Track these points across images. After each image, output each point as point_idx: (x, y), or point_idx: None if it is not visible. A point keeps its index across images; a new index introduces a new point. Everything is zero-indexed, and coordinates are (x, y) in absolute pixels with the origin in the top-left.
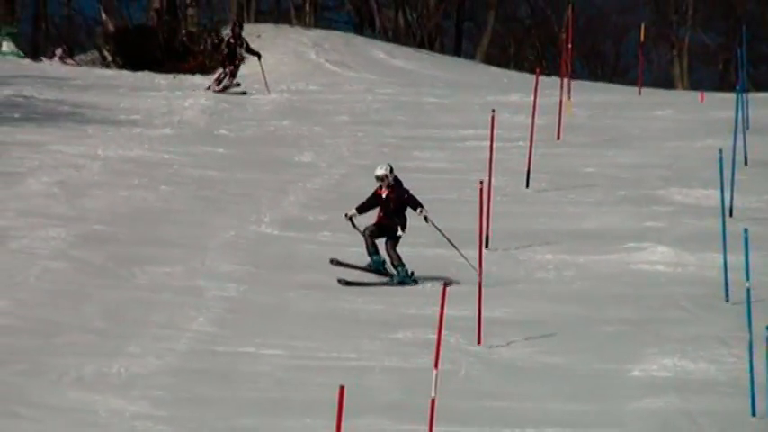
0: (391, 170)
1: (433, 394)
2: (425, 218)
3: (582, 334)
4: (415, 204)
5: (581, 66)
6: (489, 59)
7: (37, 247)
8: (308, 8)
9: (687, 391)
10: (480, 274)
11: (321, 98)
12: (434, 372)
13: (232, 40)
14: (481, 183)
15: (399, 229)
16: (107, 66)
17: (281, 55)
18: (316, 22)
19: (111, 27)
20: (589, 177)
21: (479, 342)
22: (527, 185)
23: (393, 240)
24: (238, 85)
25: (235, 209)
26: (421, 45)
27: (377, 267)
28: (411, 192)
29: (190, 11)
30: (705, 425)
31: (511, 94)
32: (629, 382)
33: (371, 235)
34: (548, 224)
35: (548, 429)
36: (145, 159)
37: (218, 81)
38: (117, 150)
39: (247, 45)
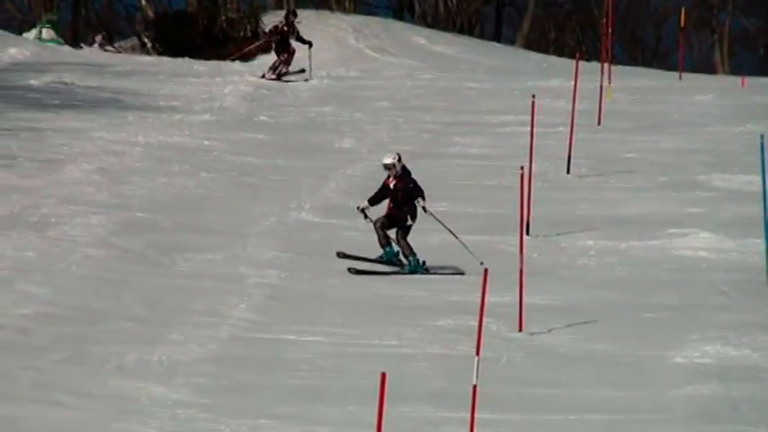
0: (399, 159)
1: (474, 381)
2: (423, 208)
3: (624, 320)
4: (418, 194)
5: (621, 51)
6: (529, 45)
7: (78, 235)
8: None
9: (729, 377)
10: (522, 261)
11: (361, 84)
12: (476, 359)
13: (285, 28)
14: (522, 169)
15: (409, 218)
16: (147, 52)
17: (321, 41)
18: (355, 7)
19: (150, 14)
20: (630, 163)
21: (521, 329)
22: (568, 171)
23: (403, 230)
24: (302, 71)
25: (275, 195)
26: (461, 30)
27: (389, 259)
28: (417, 184)
29: None
30: (747, 411)
31: (551, 80)
32: (670, 369)
33: (383, 226)
34: (589, 210)
35: (589, 416)
36: (185, 146)
37: (274, 68)
38: (157, 137)
39: (298, 34)
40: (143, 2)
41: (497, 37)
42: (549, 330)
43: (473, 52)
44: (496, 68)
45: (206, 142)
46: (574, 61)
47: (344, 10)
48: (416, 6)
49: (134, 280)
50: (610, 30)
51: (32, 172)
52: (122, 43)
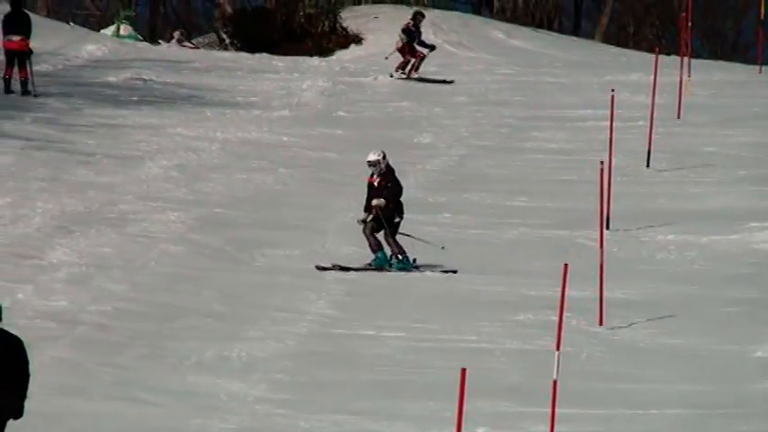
0: (384, 156)
1: (554, 376)
2: (375, 206)
3: (704, 315)
4: (385, 193)
5: (700, 44)
6: (608, 39)
7: (156, 231)
8: None
9: None
10: (602, 255)
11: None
12: (556, 354)
13: (413, 28)
14: (602, 163)
15: (396, 216)
16: (225, 48)
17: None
18: (434, 2)
19: (228, 9)
20: (710, 157)
21: (601, 323)
22: (647, 165)
23: (392, 229)
24: (444, 83)
25: (353, 191)
26: (539, 25)
27: (380, 264)
28: (399, 183)
29: None
30: None
31: (630, 74)
32: (750, 364)
33: (372, 230)
34: (668, 204)
35: (670, 411)
36: (263, 142)
37: (402, 68)
38: (235, 133)
39: (420, 37)
40: None
41: (576, 31)
42: (630, 325)
43: (552, 47)
44: (575, 63)
45: (284, 138)
46: (653, 55)
47: (423, 5)
48: (495, 1)
49: (212, 276)
50: (689, 23)
51: (111, 168)
52: (200, 39)
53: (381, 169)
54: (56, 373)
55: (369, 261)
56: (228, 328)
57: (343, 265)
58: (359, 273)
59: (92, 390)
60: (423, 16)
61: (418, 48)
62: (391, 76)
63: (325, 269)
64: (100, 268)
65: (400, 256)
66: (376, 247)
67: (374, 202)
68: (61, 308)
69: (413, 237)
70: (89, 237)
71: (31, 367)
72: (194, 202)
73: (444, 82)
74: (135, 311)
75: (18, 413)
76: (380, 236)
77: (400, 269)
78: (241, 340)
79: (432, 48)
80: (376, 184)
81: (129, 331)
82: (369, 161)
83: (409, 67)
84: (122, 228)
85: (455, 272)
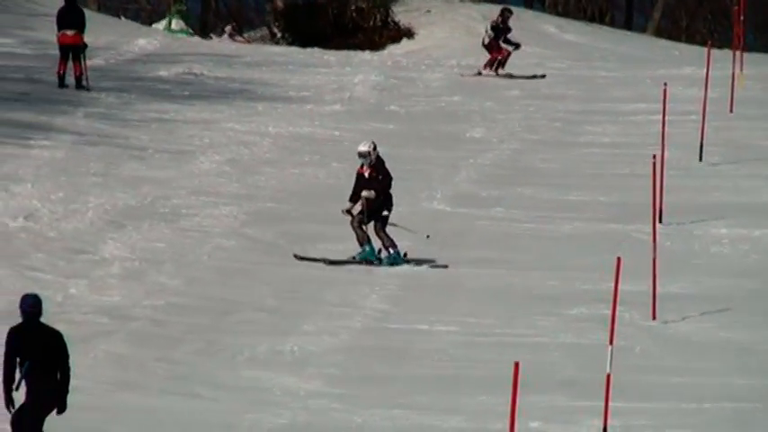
0: (374, 147)
1: (608, 370)
2: (365, 197)
3: (758, 308)
4: (377, 185)
5: (753, 38)
6: (660, 32)
7: (209, 226)
8: None
9: None
10: (655, 249)
11: (491, 73)
12: (609, 348)
13: (501, 25)
14: (654, 157)
15: (385, 208)
16: (276, 42)
17: (451, 30)
18: None
19: (280, 3)
20: (763, 150)
21: (654, 317)
22: (700, 159)
23: (381, 222)
24: (535, 78)
25: (406, 185)
26: (591, 19)
27: (365, 258)
28: (390, 174)
29: None
30: None
31: (683, 68)
32: None
33: (360, 223)
34: (722, 198)
35: (725, 404)
36: (315, 136)
37: (491, 65)
38: (287, 127)
39: (506, 35)
40: None
41: (628, 25)
42: (683, 319)
43: (604, 41)
44: (627, 57)
45: (336, 132)
46: (705, 49)
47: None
48: None
49: (265, 270)
50: (742, 17)
51: (163, 163)
52: (252, 33)
53: (372, 160)
54: (110, 368)
55: (353, 254)
56: (282, 322)
57: (316, 257)
58: (414, 267)
59: (146, 384)
60: (510, 13)
61: (503, 45)
62: (479, 74)
63: (303, 259)
64: (153, 263)
65: (391, 250)
66: (363, 240)
67: (364, 193)
68: (115, 303)
69: (398, 225)
70: (142, 231)
71: (86, 362)
72: (246, 197)
73: (535, 77)
74: (188, 306)
75: (61, 407)
76: (370, 229)
77: (390, 263)
78: (294, 335)
79: (517, 46)
80: (366, 175)
81: (183, 326)
82: (359, 152)
83: (495, 64)
84: (175, 222)
85: (446, 266)
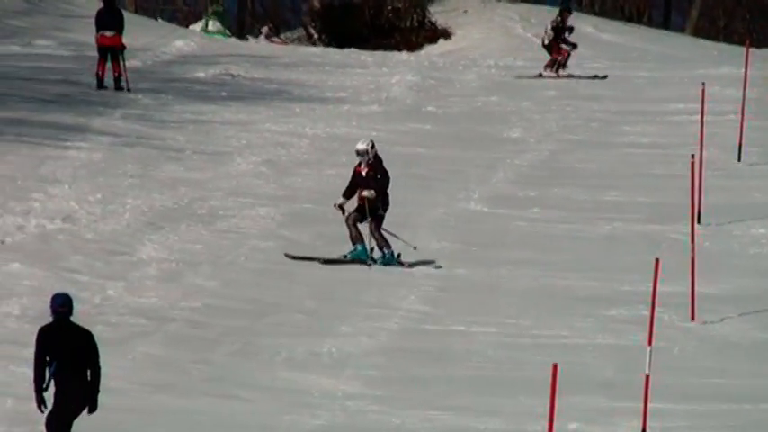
0: (372, 146)
1: (647, 371)
2: (365, 197)
3: None
4: (374, 184)
5: None
6: (698, 32)
7: (246, 227)
8: None
9: None
10: (693, 250)
11: (529, 73)
12: (648, 349)
13: (562, 25)
14: (692, 157)
15: (380, 207)
16: (313, 43)
17: (488, 30)
18: None
19: (316, 4)
20: None
21: (693, 318)
22: (739, 159)
23: (376, 221)
24: (596, 78)
25: (443, 186)
26: (629, 18)
27: (357, 257)
28: (388, 174)
29: None
30: None
31: (721, 67)
32: None
33: (355, 221)
34: (760, 198)
35: (763, 405)
36: (352, 137)
37: (552, 66)
38: (324, 128)
39: (564, 35)
40: None
41: (666, 24)
42: (722, 319)
43: (642, 40)
44: (665, 56)
45: (373, 133)
46: (744, 48)
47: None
48: None
49: (302, 272)
50: None
51: (200, 164)
52: (288, 34)
53: (369, 159)
54: (148, 369)
55: (345, 253)
56: (319, 323)
57: (308, 256)
58: (452, 269)
59: (184, 386)
60: (569, 12)
61: (562, 45)
62: (540, 76)
63: (296, 258)
64: (190, 264)
65: (385, 250)
66: (356, 239)
67: (365, 193)
68: (152, 304)
69: (388, 232)
70: (179, 233)
71: (123, 364)
72: (284, 198)
73: (596, 77)
74: (226, 308)
75: (92, 407)
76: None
77: (384, 263)
78: (332, 336)
79: (574, 46)
80: (363, 173)
81: (220, 327)
82: (357, 150)
83: (556, 65)
84: (212, 224)
85: (440, 267)
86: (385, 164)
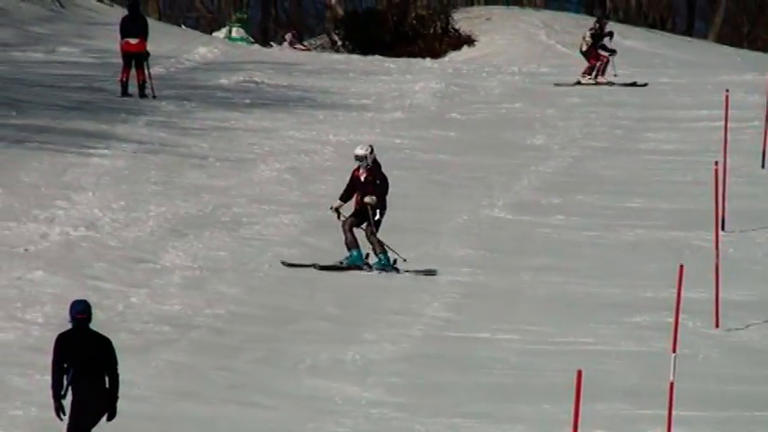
0: (372, 151)
1: (671, 378)
2: (367, 203)
3: None
4: (375, 190)
5: None
6: (722, 38)
7: (269, 234)
8: None
9: None
10: (717, 257)
11: (552, 80)
12: (672, 356)
13: (600, 32)
14: (716, 163)
15: (378, 213)
16: (337, 50)
17: (512, 37)
18: (546, 3)
19: (340, 11)
20: None
21: (717, 325)
22: (762, 166)
23: (372, 226)
24: (635, 86)
25: (467, 193)
26: (653, 25)
27: (353, 263)
28: (387, 179)
29: None
30: None
31: (745, 74)
32: None
33: (351, 226)
34: None
35: None
36: (376, 144)
37: (590, 72)
38: (348, 135)
39: (602, 41)
40: (332, 0)
41: (689, 31)
42: (747, 326)
43: (665, 47)
44: (689, 63)
45: (397, 140)
46: (767, 55)
47: (535, 6)
48: (608, 1)
49: (326, 279)
50: None
51: (223, 171)
52: (312, 41)
53: (368, 164)
54: (171, 376)
55: (341, 259)
56: (343, 330)
57: (304, 263)
58: (476, 275)
59: (207, 393)
60: (607, 19)
61: (601, 52)
62: (579, 83)
63: (292, 265)
64: (214, 271)
65: (381, 255)
66: (352, 244)
67: (366, 199)
68: (176, 312)
69: (380, 240)
70: (203, 240)
71: (147, 371)
72: (307, 205)
73: (635, 85)
74: (249, 315)
75: (111, 414)
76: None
77: (379, 268)
78: (356, 343)
79: (613, 52)
80: (362, 178)
81: (244, 335)
82: (356, 155)
83: (595, 71)
84: (236, 231)
85: (434, 272)
86: (406, 171)
